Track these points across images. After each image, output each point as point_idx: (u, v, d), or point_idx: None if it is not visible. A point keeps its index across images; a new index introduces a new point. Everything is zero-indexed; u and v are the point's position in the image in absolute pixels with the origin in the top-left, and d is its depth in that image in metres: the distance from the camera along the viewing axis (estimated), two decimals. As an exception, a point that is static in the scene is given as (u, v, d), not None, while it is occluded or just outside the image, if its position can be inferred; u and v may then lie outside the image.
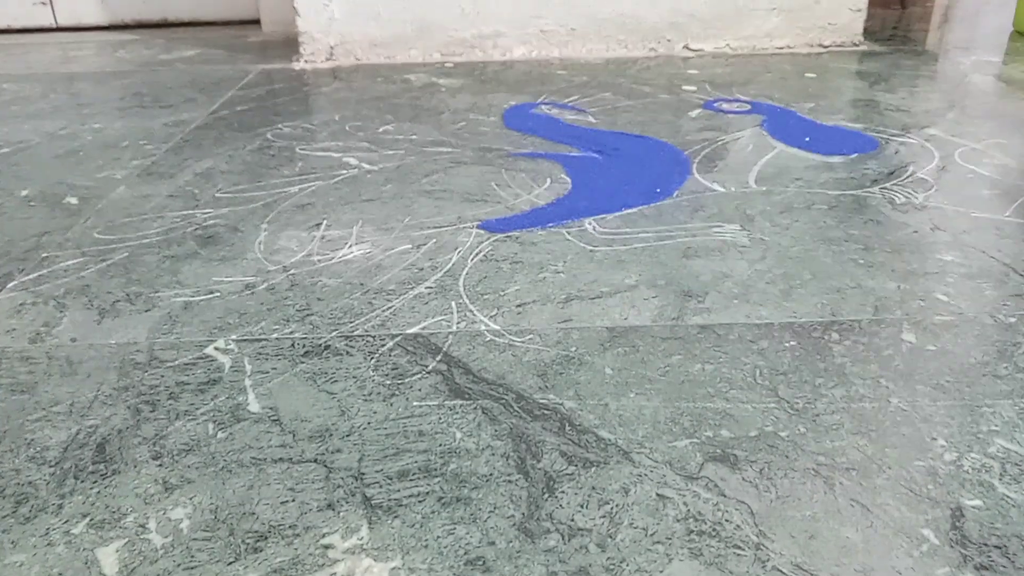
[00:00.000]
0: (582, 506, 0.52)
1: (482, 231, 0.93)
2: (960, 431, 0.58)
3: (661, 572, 0.47)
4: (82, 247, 0.93)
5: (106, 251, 0.92)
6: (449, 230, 0.94)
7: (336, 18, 1.83)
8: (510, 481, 0.54)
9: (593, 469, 0.55)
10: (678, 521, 0.50)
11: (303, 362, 0.69)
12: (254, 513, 0.52)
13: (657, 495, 0.53)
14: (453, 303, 0.77)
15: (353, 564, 0.48)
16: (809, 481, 0.54)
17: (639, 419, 0.60)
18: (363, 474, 0.55)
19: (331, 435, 0.59)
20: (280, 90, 1.64)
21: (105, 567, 0.48)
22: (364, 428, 0.60)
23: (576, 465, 0.55)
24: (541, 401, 0.62)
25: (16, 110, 1.53)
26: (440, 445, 0.58)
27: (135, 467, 0.57)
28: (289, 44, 2.06)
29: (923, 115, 1.33)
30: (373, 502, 0.53)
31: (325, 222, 0.97)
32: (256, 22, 2.41)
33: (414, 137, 1.29)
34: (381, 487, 0.54)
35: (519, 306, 0.77)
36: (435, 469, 0.56)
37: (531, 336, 0.72)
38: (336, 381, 0.66)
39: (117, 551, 0.50)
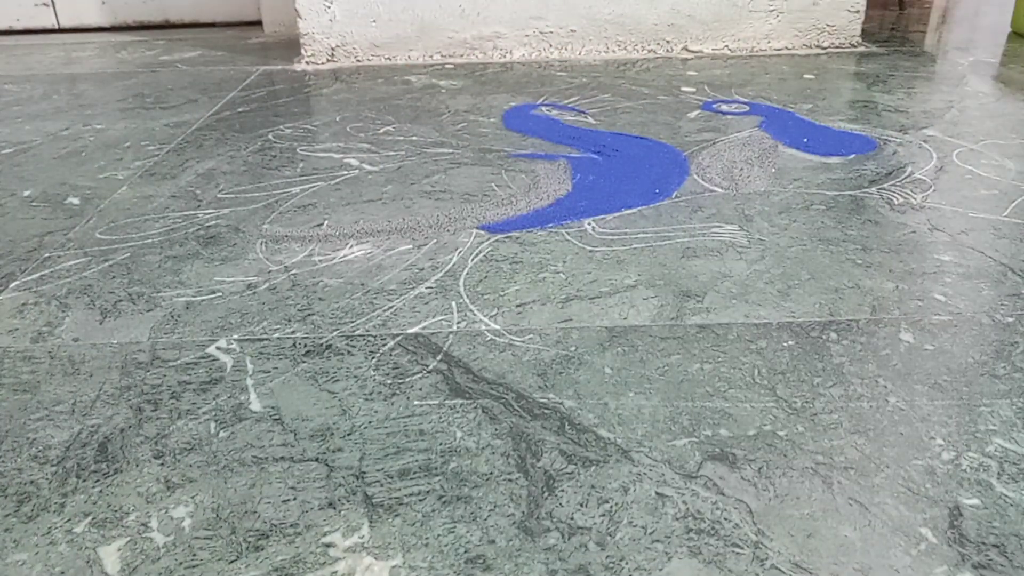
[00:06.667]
0: (582, 504, 0.52)
1: (482, 232, 0.94)
2: (958, 430, 0.58)
3: (660, 570, 0.47)
4: (84, 247, 0.93)
5: (108, 251, 0.92)
6: (449, 231, 0.94)
7: (337, 20, 1.84)
8: (510, 480, 0.55)
9: (593, 468, 0.55)
10: (677, 520, 0.51)
11: (304, 361, 0.69)
12: (255, 512, 0.53)
13: (656, 494, 0.53)
14: (453, 303, 0.78)
15: (354, 562, 0.49)
16: (807, 480, 0.54)
17: (638, 418, 0.60)
18: (364, 473, 0.56)
19: (332, 434, 0.60)
20: (281, 91, 1.64)
21: (107, 566, 0.49)
22: (365, 427, 0.60)
23: (576, 464, 0.56)
24: (541, 400, 0.63)
25: (18, 111, 1.53)
26: (440, 444, 0.58)
27: (137, 466, 0.57)
28: (290, 46, 2.06)
29: (921, 116, 1.34)
30: (374, 501, 0.53)
31: (326, 222, 0.97)
32: (258, 23, 2.42)
33: (415, 138, 1.30)
34: (382, 486, 0.54)
35: (519, 306, 0.77)
36: (435, 468, 0.56)
37: (531, 336, 0.72)
38: (337, 380, 0.66)
39: (119, 550, 0.50)
